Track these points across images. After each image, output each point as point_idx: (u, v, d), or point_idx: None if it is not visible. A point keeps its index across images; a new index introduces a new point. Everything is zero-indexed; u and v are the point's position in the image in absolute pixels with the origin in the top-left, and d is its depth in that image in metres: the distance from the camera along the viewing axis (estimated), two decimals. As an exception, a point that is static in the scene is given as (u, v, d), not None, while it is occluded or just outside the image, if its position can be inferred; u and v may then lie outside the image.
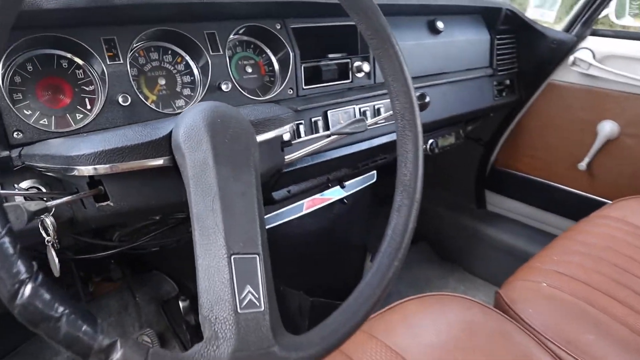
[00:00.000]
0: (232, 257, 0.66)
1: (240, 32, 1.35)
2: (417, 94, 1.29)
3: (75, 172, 0.82)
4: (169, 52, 1.26)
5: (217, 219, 0.69)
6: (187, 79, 1.27)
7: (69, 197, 0.83)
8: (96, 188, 0.85)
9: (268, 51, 1.41)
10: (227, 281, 0.64)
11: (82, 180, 0.86)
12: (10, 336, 2.00)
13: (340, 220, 1.90)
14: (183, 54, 1.27)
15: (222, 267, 0.65)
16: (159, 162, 0.83)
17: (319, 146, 1.15)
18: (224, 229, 0.68)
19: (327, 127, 1.48)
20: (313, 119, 1.44)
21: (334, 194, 1.72)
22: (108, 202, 0.86)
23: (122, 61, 1.12)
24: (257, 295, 0.66)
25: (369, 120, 1.16)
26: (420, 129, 0.91)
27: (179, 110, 1.22)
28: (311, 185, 1.53)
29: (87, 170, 0.81)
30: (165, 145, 0.83)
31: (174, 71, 1.26)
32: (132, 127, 0.88)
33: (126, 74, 1.12)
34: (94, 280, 2.22)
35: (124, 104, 1.10)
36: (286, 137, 1.14)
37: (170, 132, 0.82)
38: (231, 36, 1.30)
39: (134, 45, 1.19)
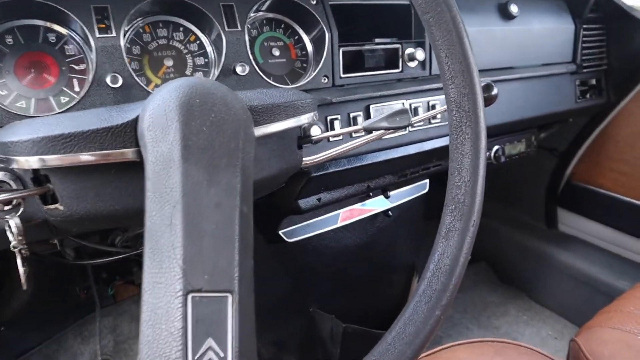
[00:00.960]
0: (190, 296, 0.46)
1: (266, 7, 1.12)
2: (483, 83, 1.02)
3: (14, 165, 0.62)
4: (181, 28, 1.06)
5: (174, 238, 0.48)
6: (200, 60, 1.07)
7: (5, 195, 0.63)
8: (43, 186, 0.65)
9: (300, 30, 1.17)
10: (177, 331, 0.43)
11: (27, 175, 0.67)
12: (26, 338, 1.89)
13: (383, 235, 1.64)
14: (197, 31, 1.06)
15: (172, 310, 0.44)
16: (122, 155, 0.62)
17: (351, 146, 0.90)
18: (182, 253, 0.47)
19: (368, 125, 1.22)
20: (352, 114, 1.19)
21: (377, 204, 1.46)
22: (57, 204, 0.66)
23: (114, 34, 0.93)
24: (222, 355, 0.44)
25: (418, 116, 0.90)
26: (483, 125, 0.66)
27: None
28: (347, 193, 1.28)
29: (28, 162, 0.61)
30: (130, 133, 0.62)
31: (185, 51, 1.06)
32: (95, 110, 0.67)
33: (118, 50, 0.92)
34: (117, 282, 2.08)
35: (113, 86, 0.91)
36: (315, 131, 0.90)
37: (138, 116, 0.61)
38: (253, 13, 1.08)
39: (137, 20, 1.00)
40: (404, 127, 0.80)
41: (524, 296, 2.36)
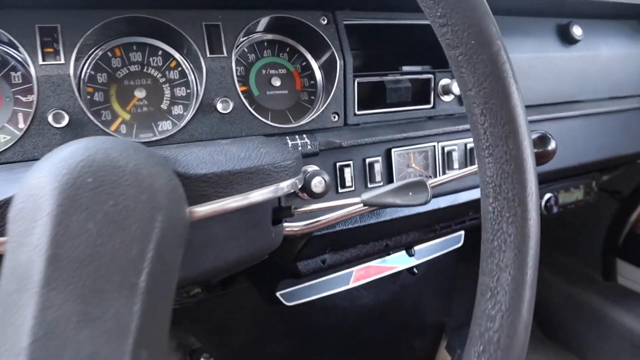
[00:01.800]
0: None
1: (264, 27, 0.92)
2: (535, 135, 0.77)
3: None
4: (159, 52, 0.86)
5: None
6: (180, 91, 0.87)
7: None
8: None
9: (307, 55, 0.96)
10: None
11: None
12: None
13: (407, 294, 1.39)
14: (177, 56, 0.87)
15: None
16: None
17: (347, 214, 0.68)
18: None
19: (389, 173, 0.99)
20: (368, 161, 0.96)
21: (399, 261, 1.23)
22: None
23: (62, 61, 0.74)
24: None
25: (444, 177, 0.67)
26: (535, 223, 0.46)
27: (161, 137, 0.81)
28: (359, 254, 1.05)
29: None
30: None
31: (162, 80, 0.86)
32: None
33: (67, 80, 0.74)
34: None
35: (56, 125, 0.72)
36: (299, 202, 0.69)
37: (13, 196, 0.41)
38: (244, 36, 0.88)
39: (103, 42, 0.82)
40: (419, 205, 0.57)
41: (572, 357, 2.06)
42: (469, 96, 0.46)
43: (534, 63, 1.17)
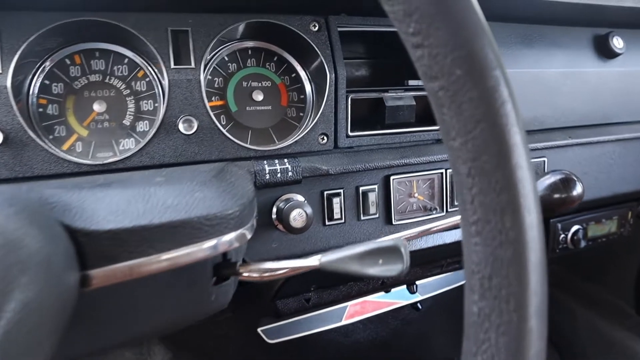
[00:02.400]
0: None
1: (242, 33, 0.80)
2: (558, 176, 0.63)
3: None
4: (125, 60, 0.76)
5: None
6: (147, 105, 0.76)
7: None
8: None
9: (297, 66, 0.84)
10: None
11: None
12: None
13: (411, 329, 1.25)
14: (145, 65, 0.76)
15: None
16: None
17: (295, 269, 0.55)
18: None
19: (386, 204, 0.86)
20: (362, 189, 0.84)
21: (400, 296, 1.10)
22: None
23: (-1, 70, 0.64)
24: None
25: (436, 223, 0.54)
26: (538, 301, 0.33)
27: (122, 157, 0.71)
28: (350, 292, 0.92)
29: None
30: None
31: (126, 92, 0.76)
32: None
33: (3, 93, 0.64)
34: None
35: (-12, 145, 0.62)
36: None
37: None
38: (217, 44, 0.76)
39: (60, 48, 0.72)
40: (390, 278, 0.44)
41: (599, 396, 1.88)
42: (452, 148, 0.33)
43: (565, 79, 1.02)
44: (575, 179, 0.61)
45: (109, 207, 0.43)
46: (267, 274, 0.51)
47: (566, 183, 0.60)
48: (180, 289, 0.47)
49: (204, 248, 0.44)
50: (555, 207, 0.61)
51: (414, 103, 0.85)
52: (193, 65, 0.72)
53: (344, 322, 1.03)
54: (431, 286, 1.11)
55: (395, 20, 0.33)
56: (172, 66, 0.71)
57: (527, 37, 0.99)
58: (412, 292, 1.05)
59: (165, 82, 0.70)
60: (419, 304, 1.13)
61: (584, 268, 1.99)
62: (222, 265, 0.50)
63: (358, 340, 1.19)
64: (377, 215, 0.85)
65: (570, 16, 1.02)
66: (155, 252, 0.42)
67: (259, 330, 0.98)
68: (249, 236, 0.51)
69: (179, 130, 0.69)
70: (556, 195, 0.60)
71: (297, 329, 1.00)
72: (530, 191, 0.32)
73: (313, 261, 0.47)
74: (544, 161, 1.00)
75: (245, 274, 0.50)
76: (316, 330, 1.01)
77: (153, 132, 0.71)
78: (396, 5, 0.32)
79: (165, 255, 0.42)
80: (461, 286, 1.17)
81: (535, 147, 0.97)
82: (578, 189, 0.60)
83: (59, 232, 0.36)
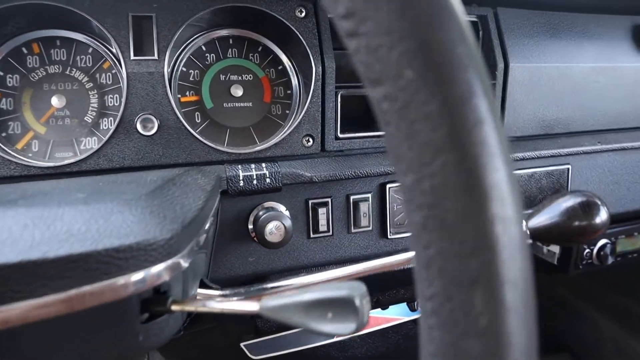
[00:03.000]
0: None
1: (222, 21, 0.71)
2: (578, 199, 0.52)
3: None
4: (89, 50, 0.68)
5: None
6: (113, 100, 0.68)
7: None
8: None
9: (282, 57, 0.74)
10: None
11: None
12: None
13: (414, 344, 1.14)
14: (109, 55, 0.68)
15: None
16: None
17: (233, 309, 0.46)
18: None
19: (381, 215, 0.77)
20: (353, 198, 0.74)
21: (401, 312, 1.00)
22: None
23: None
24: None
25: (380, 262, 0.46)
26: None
27: (77, 159, 0.63)
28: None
29: None
30: None
31: (89, 85, 0.68)
32: None
33: None
34: None
35: None
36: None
37: None
38: (186, 32, 0.67)
39: (15, 36, 0.64)
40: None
41: (625, 417, 1.75)
42: (403, 185, 0.24)
43: (597, 75, 0.89)
44: (599, 202, 0.50)
45: None
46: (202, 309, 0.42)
47: (587, 208, 0.49)
48: (96, 329, 0.39)
49: (116, 286, 0.36)
50: (573, 237, 0.50)
51: (415, 101, 0.74)
52: (156, 56, 0.63)
53: (337, 338, 0.94)
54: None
55: None
56: (132, 57, 0.63)
57: (553, 27, 0.87)
58: (412, 309, 0.95)
59: (124, 75, 0.62)
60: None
61: (610, 275, 1.85)
62: (151, 301, 0.42)
63: (355, 355, 1.10)
64: (369, 228, 0.76)
65: (605, 2, 0.89)
66: (51, 291, 0.34)
67: (242, 345, 0.90)
68: (185, 264, 0.42)
69: (138, 131, 0.61)
70: (575, 223, 0.49)
71: (284, 344, 0.92)
72: (517, 255, 0.23)
73: (253, 306, 0.38)
74: (568, 169, 0.88)
75: (177, 309, 0.41)
76: (305, 346, 0.92)
77: (111, 131, 0.63)
78: None
79: (63, 296, 0.34)
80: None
81: (557, 152, 0.85)
82: (602, 216, 0.49)
83: None
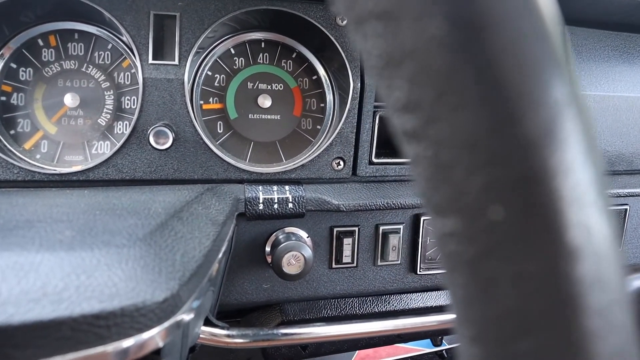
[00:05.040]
0: None
1: (254, 23, 0.64)
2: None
3: None
4: (108, 46, 0.62)
5: None
6: (129, 102, 0.63)
7: None
8: None
9: (318, 67, 0.67)
10: None
11: None
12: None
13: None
14: (130, 53, 0.62)
15: None
16: None
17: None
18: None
19: (412, 249, 0.69)
20: (383, 229, 0.67)
21: (421, 343, 0.93)
22: None
23: None
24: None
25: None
26: None
27: (85, 167, 0.58)
28: (355, 343, 0.77)
29: None
30: None
31: (105, 85, 0.62)
32: None
33: None
34: None
35: None
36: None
37: None
38: (223, 38, 0.61)
39: (27, 27, 0.59)
40: None
41: None
42: (439, 233, 0.17)
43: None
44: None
45: None
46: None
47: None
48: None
49: (93, 357, 0.30)
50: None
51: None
52: (176, 61, 0.57)
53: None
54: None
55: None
56: (150, 61, 0.56)
57: (626, 51, 0.76)
58: (436, 344, 0.87)
59: (140, 80, 0.56)
60: (444, 352, 0.95)
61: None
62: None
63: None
64: (398, 262, 0.68)
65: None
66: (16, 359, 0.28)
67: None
68: (188, 318, 0.36)
69: (150, 144, 0.55)
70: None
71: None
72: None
73: None
74: (626, 210, 0.78)
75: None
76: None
77: (123, 140, 0.57)
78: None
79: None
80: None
81: (617, 193, 0.75)
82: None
83: None
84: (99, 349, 0.30)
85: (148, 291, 0.32)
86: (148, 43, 0.57)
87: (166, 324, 0.34)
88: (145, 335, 0.32)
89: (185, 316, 0.36)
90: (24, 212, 0.42)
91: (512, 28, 0.14)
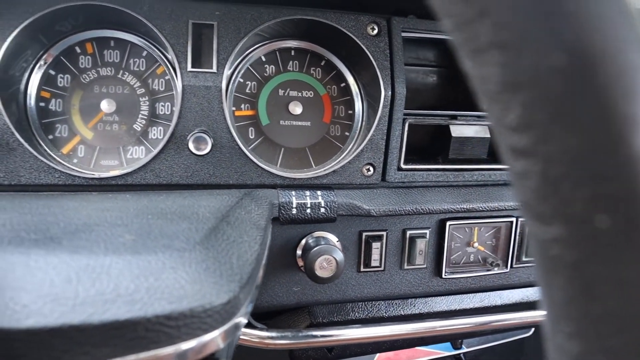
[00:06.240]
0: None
1: (286, 31, 0.65)
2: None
3: None
4: (143, 53, 0.64)
5: None
6: (163, 108, 0.64)
7: None
8: None
9: (347, 74, 0.69)
10: None
11: None
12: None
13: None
14: (164, 60, 0.63)
15: None
16: None
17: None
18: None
19: (437, 253, 0.71)
20: (410, 234, 0.68)
21: (442, 346, 0.94)
22: None
23: (-17, 62, 0.54)
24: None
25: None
26: None
27: (123, 172, 0.59)
28: (379, 346, 0.78)
29: None
30: None
31: (141, 91, 0.64)
32: None
33: (-17, 90, 0.54)
34: None
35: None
36: None
37: None
38: (256, 46, 0.62)
39: (62, 37, 0.60)
40: None
41: None
42: (539, 239, 0.18)
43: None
44: None
45: (39, 289, 0.30)
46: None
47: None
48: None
49: (164, 357, 0.31)
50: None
51: (489, 135, 0.68)
52: (214, 69, 0.58)
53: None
54: (477, 339, 0.94)
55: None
56: (189, 68, 0.58)
57: None
58: (456, 347, 0.89)
59: (179, 88, 0.58)
60: (462, 356, 0.97)
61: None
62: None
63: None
64: (424, 265, 0.70)
65: None
66: (90, 359, 0.30)
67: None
68: (245, 321, 0.37)
69: (189, 149, 0.57)
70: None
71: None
72: None
73: None
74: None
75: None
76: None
77: (161, 146, 0.59)
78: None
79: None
80: (515, 341, 1.00)
81: None
82: None
83: None
84: (169, 349, 0.32)
85: (213, 293, 0.34)
86: (187, 51, 0.58)
87: (227, 326, 0.35)
88: (208, 336, 0.34)
89: (243, 318, 0.38)
90: (79, 216, 0.43)
91: (621, 59, 0.16)
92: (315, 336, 0.53)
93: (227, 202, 0.52)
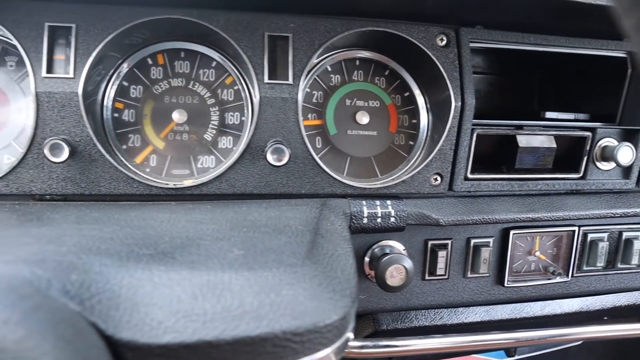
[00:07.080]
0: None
1: (354, 42, 0.66)
2: None
3: None
4: (213, 64, 0.65)
5: None
6: (233, 117, 0.65)
7: None
8: None
9: (412, 84, 0.69)
10: None
11: None
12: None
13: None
14: (235, 71, 0.64)
15: None
16: None
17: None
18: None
19: (500, 261, 0.71)
20: (474, 242, 0.69)
21: (492, 354, 0.94)
22: None
23: (70, 74, 0.55)
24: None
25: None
26: None
27: (198, 182, 0.60)
28: (435, 355, 0.78)
29: None
30: None
31: (211, 101, 0.65)
32: None
33: (73, 100, 0.55)
34: None
35: (54, 160, 0.54)
36: None
37: None
38: (321, 54, 0.63)
39: (136, 50, 0.62)
40: None
41: None
42: None
43: None
44: None
45: (169, 305, 0.31)
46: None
47: None
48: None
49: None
50: None
51: (555, 145, 0.68)
52: (291, 80, 0.59)
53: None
54: (527, 347, 0.94)
55: None
56: (266, 80, 0.59)
57: None
58: (510, 355, 0.89)
59: (256, 99, 0.58)
60: (513, 364, 0.97)
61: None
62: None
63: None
64: (487, 274, 0.70)
65: None
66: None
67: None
68: (352, 336, 0.38)
69: (267, 159, 0.57)
70: None
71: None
72: None
73: None
74: None
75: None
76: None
77: (236, 156, 0.60)
78: None
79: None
80: (560, 350, 1.00)
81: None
82: None
83: (92, 345, 0.25)
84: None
85: (330, 309, 0.34)
86: (263, 63, 0.59)
87: (340, 341, 0.36)
88: (326, 351, 0.35)
89: (351, 333, 0.38)
90: (176, 229, 0.44)
91: None
92: (396, 346, 0.54)
93: (309, 213, 0.53)
